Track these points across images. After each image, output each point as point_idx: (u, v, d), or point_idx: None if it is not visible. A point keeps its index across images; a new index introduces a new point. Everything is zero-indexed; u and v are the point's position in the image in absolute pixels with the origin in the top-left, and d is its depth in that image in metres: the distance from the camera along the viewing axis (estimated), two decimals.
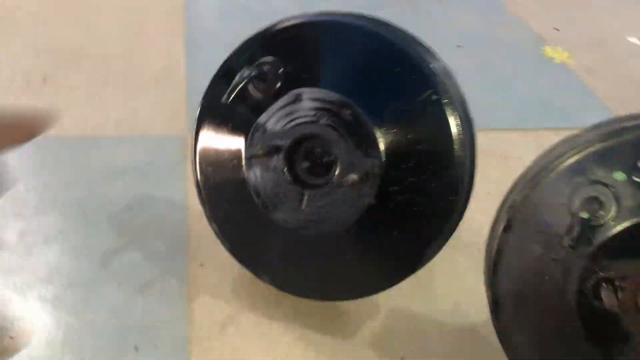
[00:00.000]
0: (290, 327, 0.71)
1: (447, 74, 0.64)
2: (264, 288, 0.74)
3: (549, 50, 1.44)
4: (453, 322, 0.74)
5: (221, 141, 0.68)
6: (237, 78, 0.62)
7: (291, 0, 1.55)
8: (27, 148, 0.87)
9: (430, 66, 0.61)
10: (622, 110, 1.28)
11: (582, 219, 0.52)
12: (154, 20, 1.40)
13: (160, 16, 1.42)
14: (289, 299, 0.73)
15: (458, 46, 1.40)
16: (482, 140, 1.09)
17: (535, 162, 0.61)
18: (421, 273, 0.79)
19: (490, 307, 0.61)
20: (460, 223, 0.67)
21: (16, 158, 0.91)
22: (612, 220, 0.53)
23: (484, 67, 1.33)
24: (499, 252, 0.59)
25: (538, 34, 1.51)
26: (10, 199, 0.83)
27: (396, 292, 0.75)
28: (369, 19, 0.66)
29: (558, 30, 1.56)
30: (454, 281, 0.79)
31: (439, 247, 0.64)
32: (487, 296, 0.61)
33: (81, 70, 1.17)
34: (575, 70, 1.36)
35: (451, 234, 0.64)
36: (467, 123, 0.64)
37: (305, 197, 0.64)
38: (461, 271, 0.75)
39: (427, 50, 0.65)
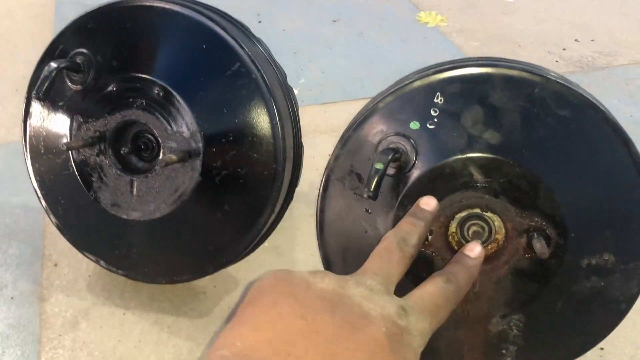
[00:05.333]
0: (145, 314, 0.71)
1: (264, 54, 0.65)
2: (121, 280, 0.74)
3: (423, 16, 1.47)
4: None
5: (47, 138, 0.68)
6: (44, 72, 0.61)
7: None
8: None
9: (239, 44, 0.61)
10: None
11: (376, 169, 0.53)
12: (21, 25, 1.36)
13: (27, 21, 1.38)
14: (147, 288, 0.74)
15: (334, 21, 1.42)
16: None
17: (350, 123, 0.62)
18: (282, 244, 0.81)
19: (323, 265, 0.63)
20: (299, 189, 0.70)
21: None
22: (414, 168, 0.56)
23: (359, 38, 1.35)
24: (321, 212, 0.61)
25: (413, 0, 1.55)
26: None
27: (256, 265, 0.77)
28: (187, 3, 0.65)
29: None
30: (313, 248, 0.80)
31: (272, 213, 0.65)
32: (320, 256, 0.63)
33: None
34: (447, 32, 1.40)
35: (284, 200, 0.66)
36: (286, 96, 0.66)
37: (135, 184, 0.65)
38: None
39: (246, 34, 0.66)
